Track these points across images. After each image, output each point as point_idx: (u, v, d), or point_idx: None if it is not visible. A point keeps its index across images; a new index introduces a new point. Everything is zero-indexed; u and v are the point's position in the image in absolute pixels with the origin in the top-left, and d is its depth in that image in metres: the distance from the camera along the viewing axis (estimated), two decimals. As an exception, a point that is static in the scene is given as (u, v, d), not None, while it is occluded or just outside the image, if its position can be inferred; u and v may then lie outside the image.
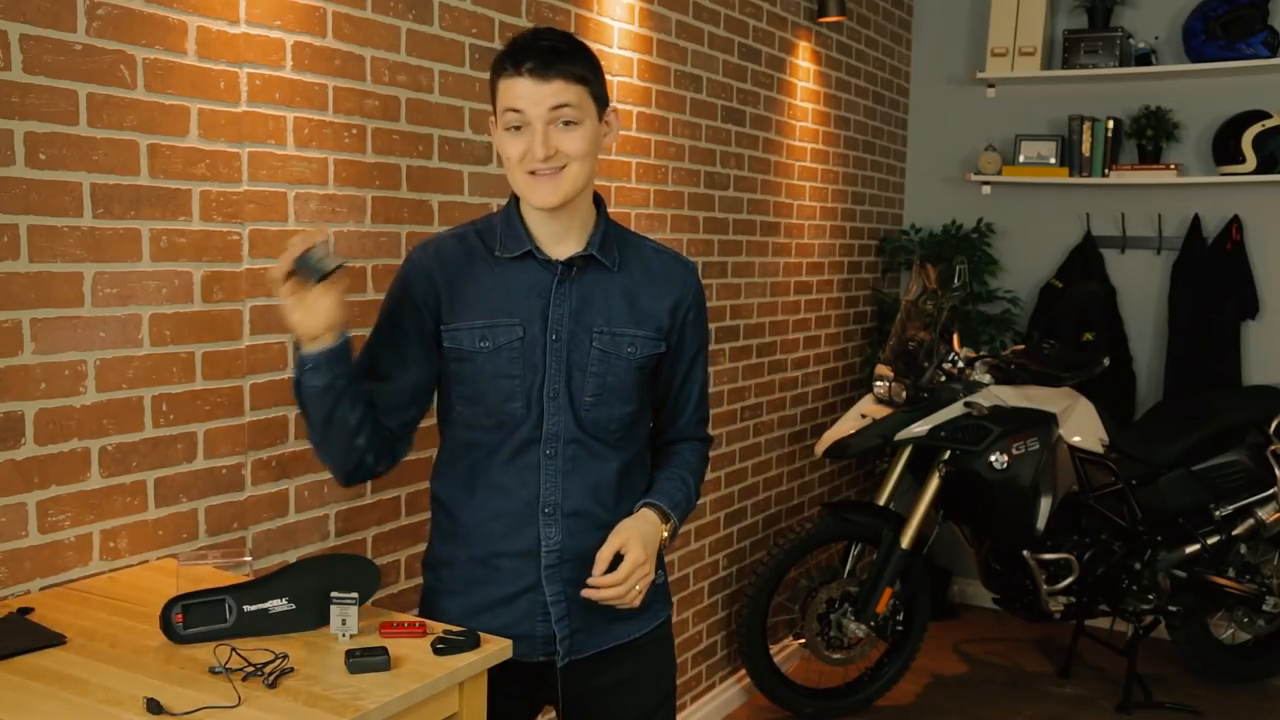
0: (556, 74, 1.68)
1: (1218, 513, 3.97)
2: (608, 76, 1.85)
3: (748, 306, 3.83)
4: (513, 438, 1.80)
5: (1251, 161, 4.38)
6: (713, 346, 3.56)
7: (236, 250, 2.09)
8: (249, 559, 1.92)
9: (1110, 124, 4.64)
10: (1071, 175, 4.73)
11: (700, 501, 2.02)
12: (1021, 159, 4.82)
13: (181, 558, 1.91)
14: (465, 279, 1.80)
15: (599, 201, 1.86)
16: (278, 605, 1.65)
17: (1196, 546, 3.93)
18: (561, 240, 1.81)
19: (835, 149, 4.41)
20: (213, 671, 1.51)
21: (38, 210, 1.76)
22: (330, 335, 1.65)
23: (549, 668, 1.85)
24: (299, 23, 2.16)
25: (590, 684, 1.88)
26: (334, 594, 1.64)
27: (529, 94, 1.68)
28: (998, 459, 3.60)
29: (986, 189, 4.94)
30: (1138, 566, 3.89)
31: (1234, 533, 3.96)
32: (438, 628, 1.68)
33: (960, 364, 3.73)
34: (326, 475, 2.29)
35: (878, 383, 3.72)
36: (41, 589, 1.81)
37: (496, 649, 1.65)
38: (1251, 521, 3.94)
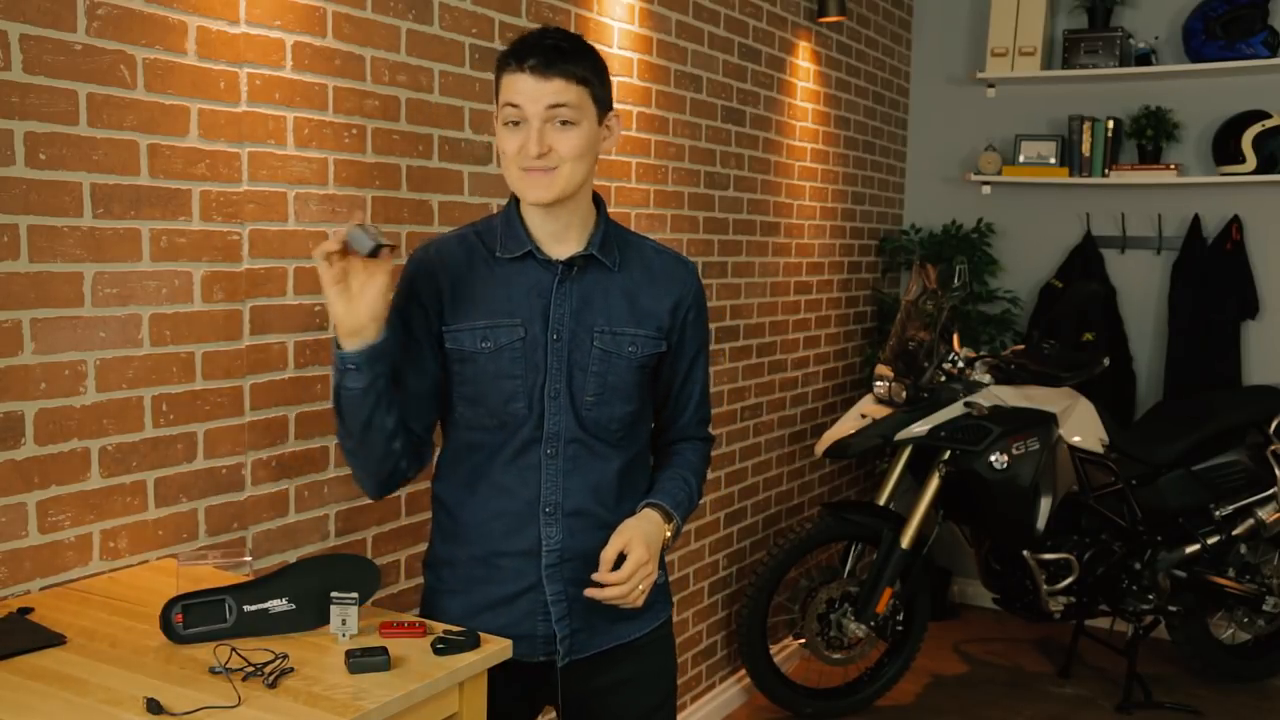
0: (557, 73, 1.68)
1: (1218, 513, 3.97)
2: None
3: (748, 306, 3.83)
4: (515, 438, 1.80)
5: (1251, 161, 4.38)
6: (713, 346, 3.56)
7: (236, 250, 2.09)
8: (249, 559, 1.92)
9: (1110, 124, 4.63)
10: (1071, 175, 4.73)
11: (700, 501, 2.02)
12: (1021, 159, 4.82)
13: (181, 558, 1.91)
14: (467, 280, 1.80)
15: (599, 201, 1.86)
16: (278, 605, 1.65)
17: (1196, 546, 3.94)
18: (561, 240, 1.81)
19: (835, 149, 4.41)
20: (213, 671, 1.51)
21: (38, 210, 1.76)
22: (373, 328, 1.65)
23: (549, 667, 1.85)
24: (299, 23, 2.16)
25: (590, 684, 1.88)
26: (334, 594, 1.64)
27: (528, 91, 1.68)
28: (998, 459, 3.60)
29: (986, 189, 4.94)
30: (1138, 566, 3.89)
31: (1234, 533, 3.96)
32: (438, 628, 1.68)
33: (960, 364, 3.73)
34: (326, 475, 2.29)
35: (878, 383, 3.72)
36: (41, 589, 1.81)
37: (496, 649, 1.65)
38: (1251, 521, 3.94)
